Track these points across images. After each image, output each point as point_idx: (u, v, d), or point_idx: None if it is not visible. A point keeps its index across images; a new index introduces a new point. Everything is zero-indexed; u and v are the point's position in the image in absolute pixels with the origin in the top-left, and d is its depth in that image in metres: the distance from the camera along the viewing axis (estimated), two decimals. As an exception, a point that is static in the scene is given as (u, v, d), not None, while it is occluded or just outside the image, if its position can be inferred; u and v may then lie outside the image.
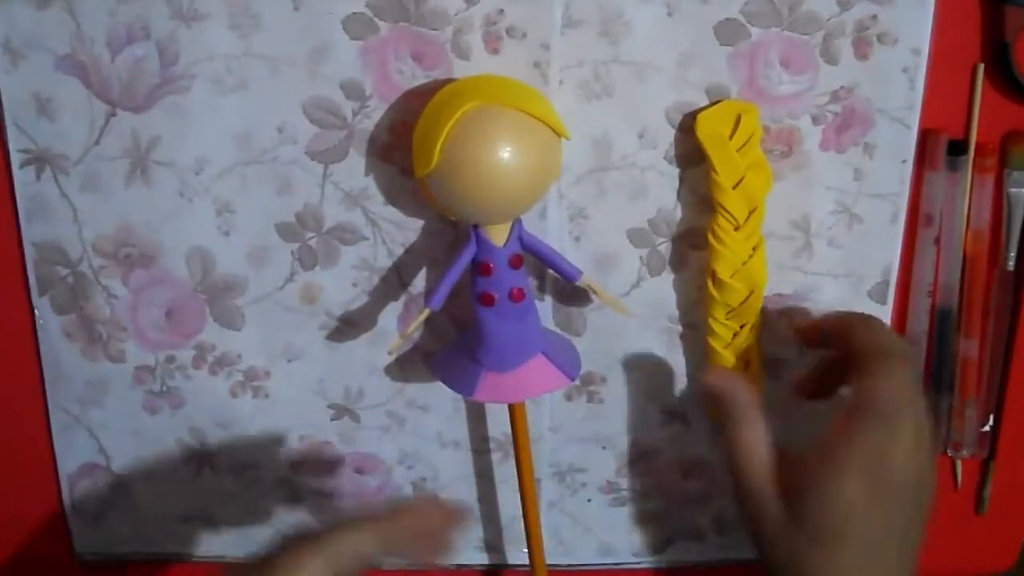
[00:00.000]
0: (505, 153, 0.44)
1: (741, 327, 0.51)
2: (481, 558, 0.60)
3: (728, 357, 0.51)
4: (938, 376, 0.55)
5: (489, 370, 0.49)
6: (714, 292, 0.50)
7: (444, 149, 0.44)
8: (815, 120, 0.50)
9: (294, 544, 0.40)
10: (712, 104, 0.48)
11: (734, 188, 0.48)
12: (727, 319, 0.50)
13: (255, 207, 0.51)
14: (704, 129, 0.47)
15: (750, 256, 0.49)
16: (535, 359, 0.49)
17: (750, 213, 0.48)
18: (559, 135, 0.46)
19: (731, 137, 0.47)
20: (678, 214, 0.52)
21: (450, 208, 0.47)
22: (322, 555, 0.39)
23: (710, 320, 0.51)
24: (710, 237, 0.49)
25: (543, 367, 0.50)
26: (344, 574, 0.40)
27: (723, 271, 0.49)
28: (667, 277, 0.53)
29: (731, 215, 0.48)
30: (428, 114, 0.46)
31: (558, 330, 0.54)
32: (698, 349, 0.54)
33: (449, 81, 0.48)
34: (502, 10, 0.48)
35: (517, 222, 0.48)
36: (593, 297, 0.52)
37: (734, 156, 0.47)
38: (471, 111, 0.44)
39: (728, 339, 0.51)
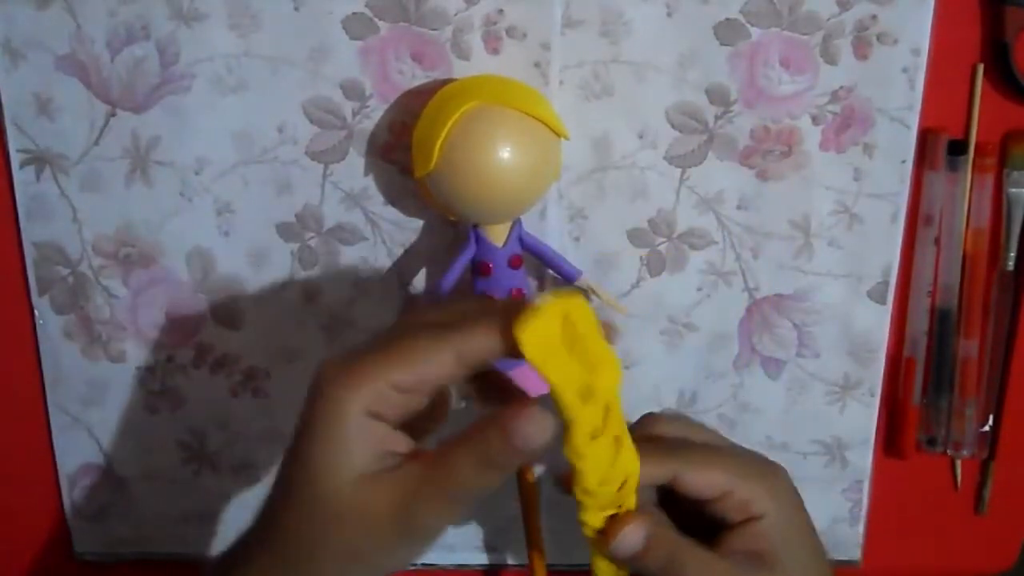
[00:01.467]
0: (505, 153, 0.44)
1: (619, 507, 0.44)
2: (481, 558, 0.60)
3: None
4: (938, 376, 0.55)
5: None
6: (584, 499, 0.42)
7: (444, 149, 0.44)
8: (815, 120, 0.50)
9: (421, 331, 0.34)
10: (532, 311, 0.35)
11: (582, 399, 0.38)
12: (603, 512, 0.43)
13: (255, 207, 0.51)
14: (531, 349, 0.36)
15: (616, 453, 0.41)
16: (535, 359, 0.49)
17: (606, 414, 0.39)
18: (559, 135, 0.46)
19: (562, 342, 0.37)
20: (678, 214, 0.52)
21: (450, 208, 0.47)
22: (452, 349, 0.34)
23: (582, 516, 0.43)
24: (569, 454, 0.39)
25: (543, 367, 0.49)
26: (470, 372, 0.36)
27: (591, 482, 0.41)
28: (667, 277, 0.53)
29: (586, 428, 0.39)
30: (428, 114, 0.46)
31: (558, 330, 0.54)
32: (698, 349, 0.54)
33: (449, 81, 0.48)
34: (502, 10, 0.48)
35: (517, 222, 0.48)
36: (593, 297, 0.52)
37: (570, 367, 0.37)
38: (471, 111, 0.44)
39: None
